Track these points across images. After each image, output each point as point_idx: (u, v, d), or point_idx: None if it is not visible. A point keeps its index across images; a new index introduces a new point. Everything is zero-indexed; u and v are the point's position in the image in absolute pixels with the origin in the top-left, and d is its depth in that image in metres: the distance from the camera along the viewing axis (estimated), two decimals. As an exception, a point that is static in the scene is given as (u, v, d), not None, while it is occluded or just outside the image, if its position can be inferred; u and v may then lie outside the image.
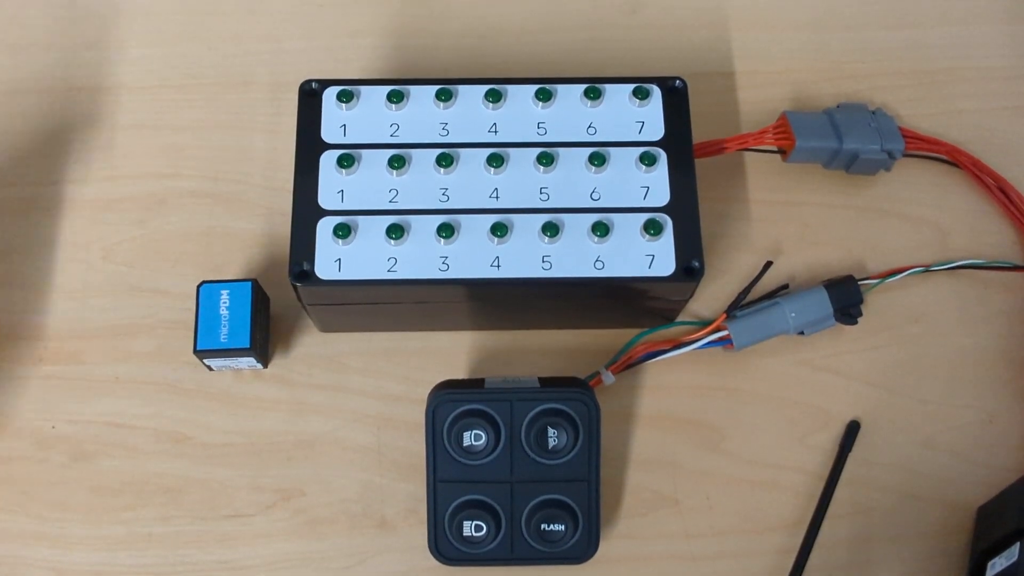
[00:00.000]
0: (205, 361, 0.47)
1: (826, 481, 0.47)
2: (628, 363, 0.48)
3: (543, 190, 0.45)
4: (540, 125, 0.46)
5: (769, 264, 0.50)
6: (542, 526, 0.44)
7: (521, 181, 0.45)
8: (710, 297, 0.51)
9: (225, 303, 0.46)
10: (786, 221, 0.52)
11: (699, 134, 0.47)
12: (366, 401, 0.49)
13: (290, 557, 0.46)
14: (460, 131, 0.46)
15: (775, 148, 0.52)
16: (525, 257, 0.43)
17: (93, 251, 0.51)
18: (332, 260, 0.43)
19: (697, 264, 0.44)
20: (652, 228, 0.44)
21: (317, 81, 0.46)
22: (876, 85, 0.55)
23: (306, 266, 0.43)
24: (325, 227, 0.44)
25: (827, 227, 0.52)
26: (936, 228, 0.52)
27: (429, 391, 0.46)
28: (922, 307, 0.51)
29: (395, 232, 0.43)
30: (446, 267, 0.43)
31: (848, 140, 0.50)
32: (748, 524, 0.47)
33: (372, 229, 0.44)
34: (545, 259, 0.43)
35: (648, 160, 0.45)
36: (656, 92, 0.46)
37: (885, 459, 0.48)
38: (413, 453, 0.48)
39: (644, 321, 0.49)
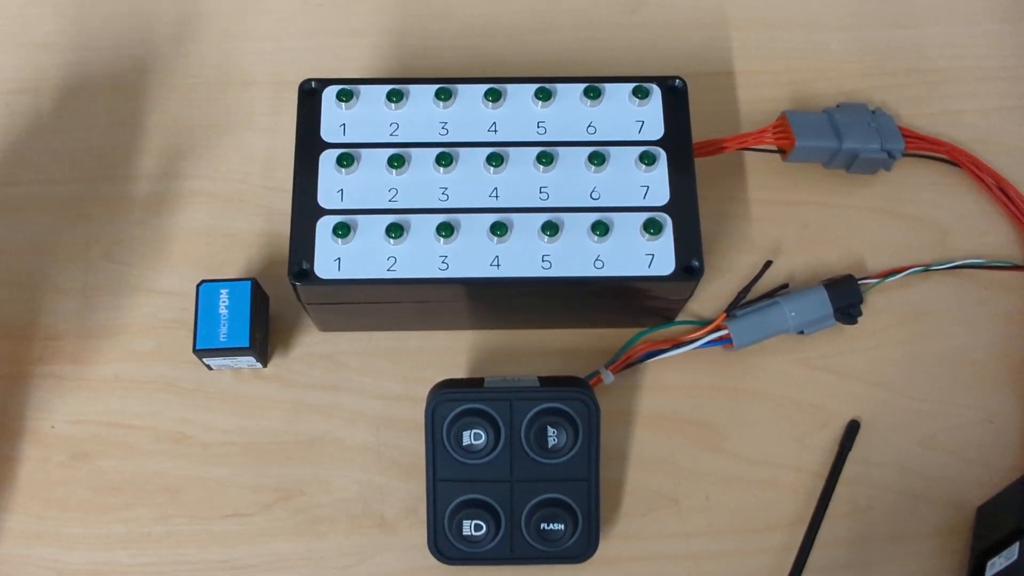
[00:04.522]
0: (204, 360, 0.47)
1: (826, 480, 0.47)
2: (628, 362, 0.48)
3: (543, 189, 0.45)
4: (540, 124, 0.46)
5: (769, 263, 0.50)
6: (542, 525, 0.44)
7: (521, 180, 0.45)
8: (710, 296, 0.51)
9: (224, 302, 0.46)
10: (786, 220, 0.52)
11: (699, 133, 0.47)
12: (366, 400, 0.49)
13: (289, 556, 0.46)
14: (460, 130, 0.46)
15: (775, 148, 0.52)
16: (525, 256, 0.43)
17: (93, 250, 0.51)
18: (331, 259, 0.43)
19: (697, 263, 0.44)
20: (652, 227, 0.44)
21: (316, 80, 0.46)
22: (876, 85, 0.55)
23: (305, 265, 0.43)
24: (324, 226, 0.44)
25: (827, 226, 0.52)
26: (936, 227, 0.52)
27: (429, 390, 0.46)
28: (922, 306, 0.51)
29: (394, 231, 0.43)
30: (445, 266, 0.43)
31: (848, 140, 0.50)
32: (748, 523, 0.47)
33: (371, 228, 0.44)
34: (545, 258, 0.43)
35: (648, 159, 0.45)
36: (656, 91, 0.46)
37: (885, 458, 0.48)
38: (413, 452, 0.48)
39: (644, 320, 0.49)
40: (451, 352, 0.50)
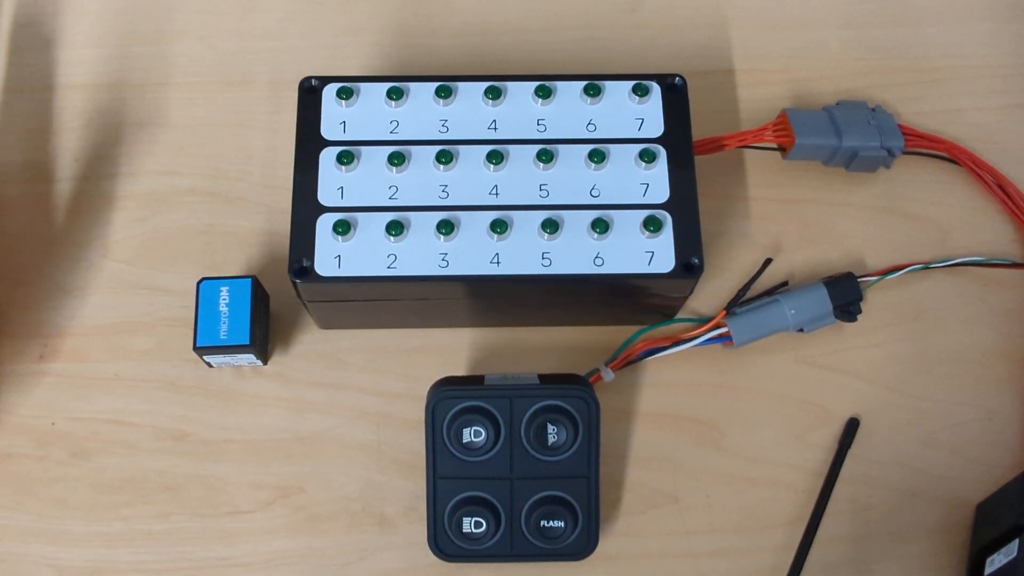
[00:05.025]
0: (205, 358, 0.47)
1: (825, 478, 0.47)
2: (628, 360, 0.48)
3: (543, 187, 0.45)
4: (540, 122, 0.46)
5: (769, 261, 0.50)
6: (541, 523, 0.44)
7: (521, 178, 0.45)
8: (710, 294, 0.51)
9: (225, 300, 0.46)
10: (786, 218, 0.52)
11: (699, 131, 0.47)
12: (366, 398, 0.49)
13: (290, 554, 0.46)
14: (460, 128, 0.46)
15: (775, 145, 0.52)
16: (525, 254, 0.44)
17: (93, 248, 0.51)
18: (332, 257, 0.43)
19: (696, 261, 0.44)
20: (652, 225, 0.44)
21: (317, 78, 0.46)
22: (876, 83, 0.55)
23: (306, 263, 0.43)
24: (325, 224, 0.44)
25: (827, 224, 0.52)
26: (936, 225, 0.52)
27: (429, 388, 0.46)
28: (922, 304, 0.51)
29: (395, 229, 0.43)
30: (446, 264, 0.43)
31: (848, 137, 0.50)
32: (747, 521, 0.47)
33: (372, 226, 0.44)
34: (545, 256, 0.44)
35: (648, 157, 0.45)
36: (656, 89, 0.46)
37: (884, 456, 0.48)
38: (413, 450, 0.48)
39: (644, 318, 0.49)
40: (451, 350, 0.50)
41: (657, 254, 0.44)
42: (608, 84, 0.46)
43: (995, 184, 0.52)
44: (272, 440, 0.48)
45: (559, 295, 0.45)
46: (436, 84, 0.46)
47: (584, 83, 0.46)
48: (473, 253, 0.43)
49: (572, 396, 0.44)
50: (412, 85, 0.46)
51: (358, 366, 0.49)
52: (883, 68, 0.56)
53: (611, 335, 0.49)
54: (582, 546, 0.45)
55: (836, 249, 0.52)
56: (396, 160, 0.44)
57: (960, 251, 0.51)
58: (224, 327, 0.46)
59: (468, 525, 0.44)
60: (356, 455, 0.48)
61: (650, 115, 0.46)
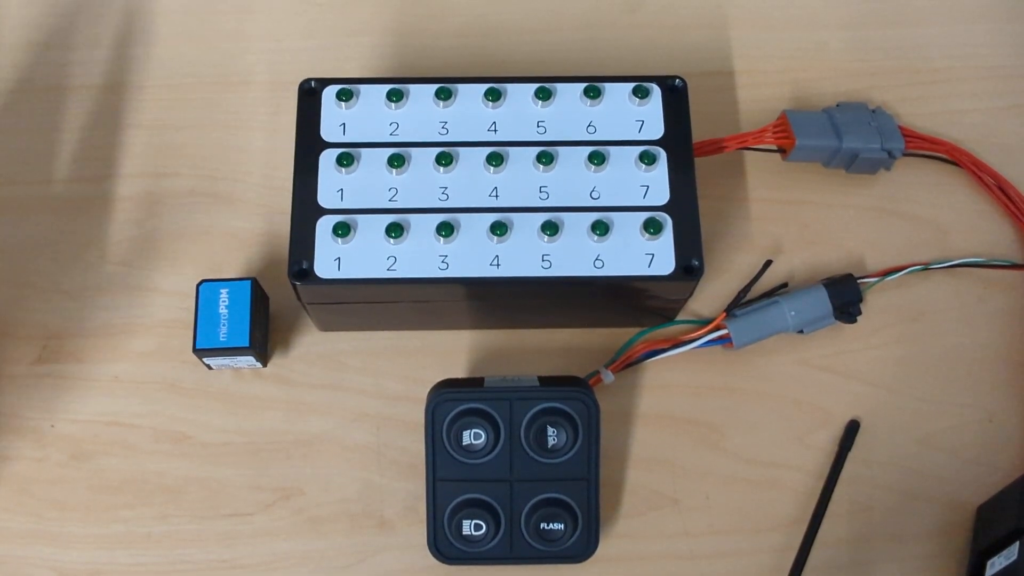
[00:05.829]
0: (204, 360, 0.47)
1: (825, 480, 0.47)
2: (628, 362, 0.48)
3: (543, 189, 0.45)
4: (540, 124, 0.46)
5: (769, 263, 0.50)
6: (541, 525, 0.44)
7: (521, 180, 0.45)
8: (710, 296, 0.51)
9: (224, 302, 0.46)
10: (786, 220, 0.52)
11: (699, 133, 0.47)
12: (365, 400, 0.49)
13: (289, 556, 0.46)
14: (460, 130, 0.46)
15: (775, 147, 0.52)
16: (525, 256, 0.43)
17: (92, 250, 0.51)
18: (331, 259, 0.43)
19: (697, 263, 0.43)
20: (652, 227, 0.44)
21: (316, 80, 0.46)
22: (876, 84, 0.55)
23: (305, 265, 0.43)
24: (324, 226, 0.44)
25: (827, 226, 0.52)
26: (936, 227, 0.52)
27: (428, 390, 0.46)
28: (921, 305, 0.51)
29: (394, 231, 0.43)
30: (445, 266, 0.43)
31: (848, 139, 0.50)
32: (747, 523, 0.47)
33: (371, 228, 0.44)
34: (545, 258, 0.43)
35: (648, 159, 0.45)
36: (656, 91, 0.46)
37: (884, 458, 0.48)
38: (412, 452, 0.48)
39: (644, 320, 0.49)
40: (451, 352, 0.50)
41: (657, 256, 0.44)
42: (608, 86, 0.46)
43: (995, 186, 0.52)
44: (272, 442, 0.48)
45: (559, 297, 0.45)
46: (436, 86, 0.46)
47: (584, 85, 0.46)
48: (473, 255, 0.43)
49: (572, 398, 0.44)
50: (412, 87, 0.46)
51: (358, 368, 0.49)
52: (883, 69, 0.56)
53: (611, 337, 0.49)
54: (582, 548, 0.45)
55: (836, 250, 0.52)
56: (396, 162, 0.44)
57: (960, 252, 0.51)
58: (224, 329, 0.46)
59: (468, 527, 0.44)
60: (356, 457, 0.48)
61: (650, 117, 0.46)
